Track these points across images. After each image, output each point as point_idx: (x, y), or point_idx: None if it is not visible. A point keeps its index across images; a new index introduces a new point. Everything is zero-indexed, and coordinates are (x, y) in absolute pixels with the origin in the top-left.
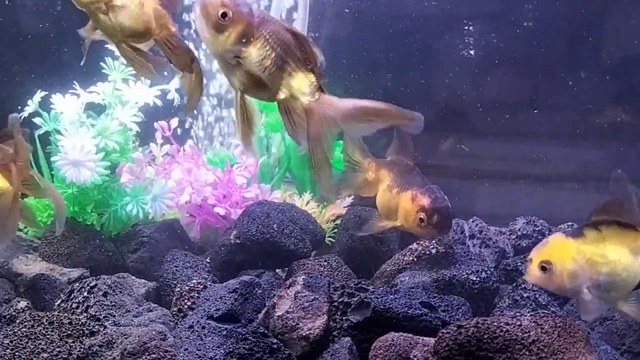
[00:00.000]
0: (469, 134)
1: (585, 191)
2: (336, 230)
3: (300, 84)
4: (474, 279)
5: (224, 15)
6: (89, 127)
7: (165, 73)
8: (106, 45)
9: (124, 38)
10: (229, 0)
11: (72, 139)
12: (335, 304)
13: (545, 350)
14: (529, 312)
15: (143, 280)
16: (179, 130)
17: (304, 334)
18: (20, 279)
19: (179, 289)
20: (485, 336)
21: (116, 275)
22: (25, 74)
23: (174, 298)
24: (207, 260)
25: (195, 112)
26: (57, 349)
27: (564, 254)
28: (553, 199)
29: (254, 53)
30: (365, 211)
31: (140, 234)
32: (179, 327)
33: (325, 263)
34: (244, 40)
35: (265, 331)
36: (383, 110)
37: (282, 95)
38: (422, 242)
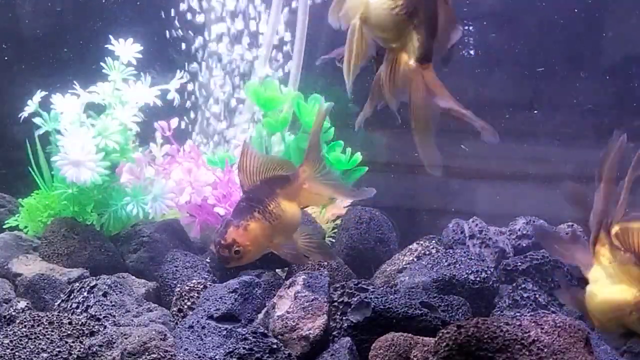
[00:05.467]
0: (469, 134)
1: (586, 191)
2: (336, 230)
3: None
4: (474, 279)
5: None
6: (89, 127)
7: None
8: (106, 45)
9: None
10: None
11: (72, 138)
12: (335, 304)
13: (545, 350)
14: (529, 312)
15: (143, 280)
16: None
17: (304, 334)
18: (20, 279)
19: (179, 289)
20: (485, 336)
21: (116, 275)
22: (25, 74)
23: (174, 298)
24: (207, 260)
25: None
26: (57, 349)
27: None
28: (553, 199)
29: None
30: (365, 211)
31: (140, 234)
32: (179, 327)
33: (325, 263)
34: None
35: (265, 331)
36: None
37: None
38: (421, 242)
